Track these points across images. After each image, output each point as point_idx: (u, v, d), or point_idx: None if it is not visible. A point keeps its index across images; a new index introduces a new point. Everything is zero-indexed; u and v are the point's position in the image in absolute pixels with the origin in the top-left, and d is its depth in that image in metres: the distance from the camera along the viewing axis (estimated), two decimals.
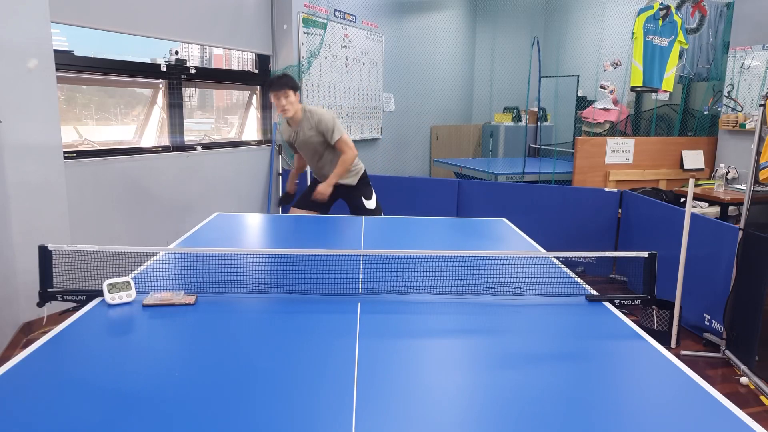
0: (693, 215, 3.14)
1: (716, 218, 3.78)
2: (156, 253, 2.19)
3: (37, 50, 3.01)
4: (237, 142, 5.11)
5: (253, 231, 2.74)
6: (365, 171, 3.49)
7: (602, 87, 5.92)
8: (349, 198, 3.43)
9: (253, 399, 1.14)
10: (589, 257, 4.27)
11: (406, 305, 1.73)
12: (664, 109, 5.62)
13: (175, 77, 4.31)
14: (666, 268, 3.32)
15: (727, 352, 2.97)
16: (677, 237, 3.16)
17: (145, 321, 1.55)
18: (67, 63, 3.48)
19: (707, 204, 4.50)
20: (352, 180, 3.39)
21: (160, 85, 4.29)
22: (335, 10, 5.58)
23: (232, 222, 2.85)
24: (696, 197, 4.44)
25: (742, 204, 3.25)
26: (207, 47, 4.84)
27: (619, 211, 4.28)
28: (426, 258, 2.15)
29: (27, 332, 3.09)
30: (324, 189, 3.23)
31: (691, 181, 3.09)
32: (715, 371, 2.88)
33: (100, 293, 1.69)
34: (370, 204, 3.40)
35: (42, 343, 1.39)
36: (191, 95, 4.52)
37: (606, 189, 4.35)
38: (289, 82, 3.15)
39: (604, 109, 5.78)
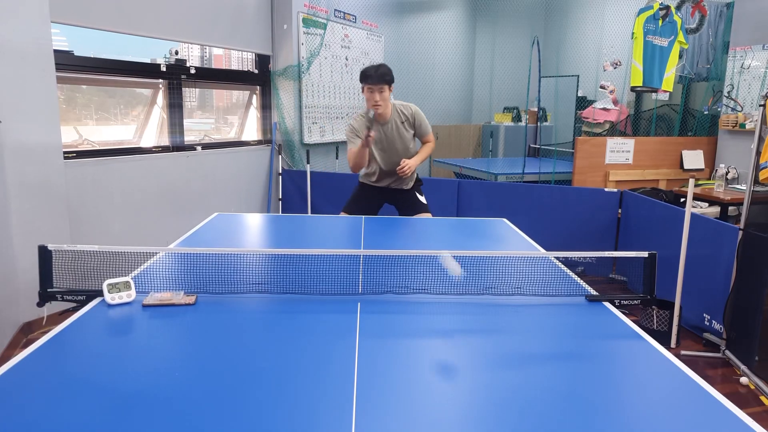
0: (693, 215, 3.14)
1: (716, 218, 3.78)
2: (156, 253, 2.18)
3: (37, 50, 3.01)
4: (237, 142, 5.11)
5: (253, 231, 2.74)
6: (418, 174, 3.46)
7: (602, 87, 5.92)
8: (403, 198, 3.34)
9: (253, 399, 1.14)
10: (589, 257, 4.26)
11: (406, 305, 1.73)
12: (664, 109, 5.62)
13: (175, 77, 4.30)
14: (666, 268, 3.32)
15: (727, 352, 2.97)
16: (677, 237, 3.16)
17: (145, 321, 1.55)
18: (67, 63, 3.48)
19: (707, 204, 4.50)
20: (410, 184, 3.33)
21: (160, 85, 4.29)
22: (335, 10, 5.58)
23: (232, 222, 2.85)
24: (696, 197, 4.44)
25: (742, 204, 3.25)
26: (207, 47, 4.84)
27: (619, 211, 4.28)
28: (426, 258, 2.14)
29: (27, 332, 3.09)
30: (411, 164, 3.05)
31: (691, 181, 3.09)
32: (715, 371, 2.88)
33: (100, 293, 1.69)
34: (423, 199, 3.35)
35: (42, 343, 1.38)
36: (191, 95, 4.52)
37: (606, 189, 4.35)
38: (386, 76, 2.95)
39: (604, 109, 5.77)
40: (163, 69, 4.22)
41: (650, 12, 4.78)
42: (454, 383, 1.24)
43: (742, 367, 2.80)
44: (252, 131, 5.35)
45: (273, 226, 2.87)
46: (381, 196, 3.34)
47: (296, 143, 5.33)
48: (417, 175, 3.40)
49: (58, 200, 3.22)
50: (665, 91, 5.16)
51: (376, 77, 2.93)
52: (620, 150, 5.08)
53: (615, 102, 5.81)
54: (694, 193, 4.03)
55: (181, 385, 1.19)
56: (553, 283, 1.92)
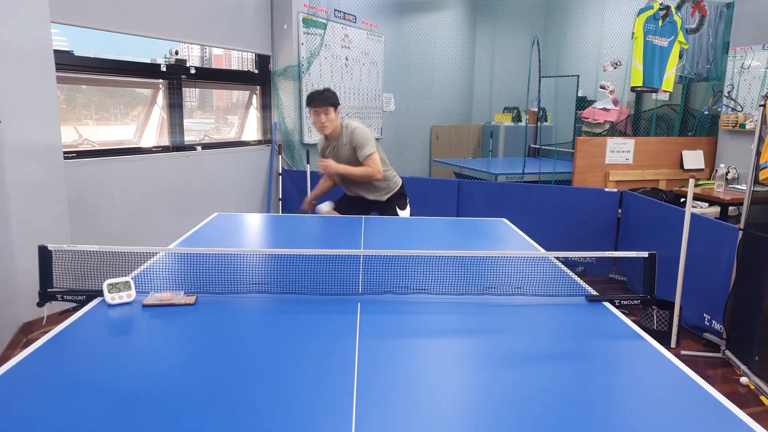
0: (693, 215, 3.14)
1: (716, 218, 3.78)
2: (156, 253, 2.18)
3: (37, 50, 3.01)
4: (237, 142, 5.11)
5: (253, 231, 2.74)
6: (402, 185, 3.44)
7: (602, 87, 5.92)
8: (382, 211, 3.42)
9: (253, 399, 1.14)
10: (589, 257, 4.26)
11: (406, 305, 1.73)
12: (664, 109, 5.62)
13: (175, 77, 4.30)
14: (666, 268, 3.32)
15: (727, 352, 2.97)
16: (677, 237, 3.16)
17: (145, 321, 1.55)
18: (67, 63, 3.48)
19: (707, 204, 4.50)
20: (381, 197, 3.35)
21: (160, 85, 4.29)
22: (335, 10, 5.58)
23: (232, 222, 2.85)
24: (696, 197, 4.44)
25: (742, 204, 3.25)
26: (207, 47, 4.84)
27: (619, 211, 4.28)
28: (426, 258, 2.14)
29: (27, 332, 3.09)
30: (330, 163, 3.16)
31: (691, 181, 3.09)
32: (715, 371, 2.88)
33: (100, 293, 1.69)
34: (404, 213, 3.39)
35: (42, 343, 1.38)
36: (191, 95, 4.52)
37: (606, 189, 4.35)
38: (330, 98, 3.10)
39: (604, 109, 5.77)
40: (163, 69, 4.22)
41: (650, 12, 4.78)
42: (454, 383, 1.24)
43: (742, 367, 2.80)
44: (252, 131, 5.35)
45: (273, 226, 2.87)
46: (364, 204, 3.40)
47: (296, 143, 5.33)
48: (401, 186, 3.43)
49: (58, 200, 3.22)
50: (665, 91, 5.16)
51: (320, 100, 3.09)
52: (620, 150, 5.08)
53: (615, 102, 5.81)
54: (694, 193, 4.03)
55: (180, 385, 1.19)
56: (553, 283, 1.92)
